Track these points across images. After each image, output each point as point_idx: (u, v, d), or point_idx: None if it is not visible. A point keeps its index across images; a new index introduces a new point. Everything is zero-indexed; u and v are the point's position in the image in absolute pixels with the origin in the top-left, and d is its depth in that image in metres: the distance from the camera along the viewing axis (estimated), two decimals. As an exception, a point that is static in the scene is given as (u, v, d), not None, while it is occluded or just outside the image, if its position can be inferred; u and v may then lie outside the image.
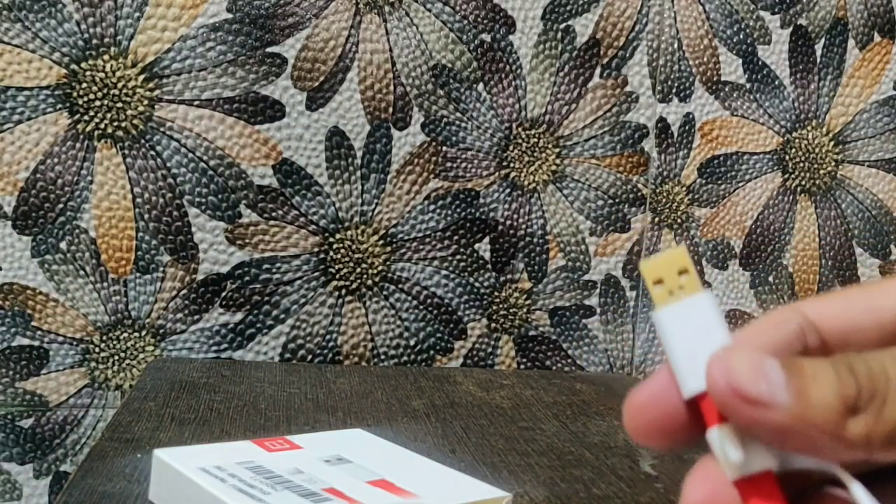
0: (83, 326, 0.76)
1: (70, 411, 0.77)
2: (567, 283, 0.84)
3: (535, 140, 0.82)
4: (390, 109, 0.79)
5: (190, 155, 0.76)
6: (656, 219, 0.85)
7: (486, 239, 0.82)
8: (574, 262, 0.84)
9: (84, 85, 0.74)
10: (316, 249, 0.79)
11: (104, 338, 0.77)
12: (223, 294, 0.78)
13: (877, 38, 0.88)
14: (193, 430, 0.58)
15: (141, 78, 0.75)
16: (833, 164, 0.89)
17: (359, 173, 0.79)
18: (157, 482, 0.45)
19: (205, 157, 0.77)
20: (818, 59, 0.87)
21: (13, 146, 0.74)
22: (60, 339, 0.76)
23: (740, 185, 0.87)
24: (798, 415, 0.22)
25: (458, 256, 0.82)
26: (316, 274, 0.79)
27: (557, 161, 0.83)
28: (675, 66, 0.84)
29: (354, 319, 0.81)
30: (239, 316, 0.79)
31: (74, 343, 0.76)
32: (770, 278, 0.89)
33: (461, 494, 0.43)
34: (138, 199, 0.76)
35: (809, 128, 0.88)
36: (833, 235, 0.90)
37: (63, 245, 0.76)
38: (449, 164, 0.81)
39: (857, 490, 0.23)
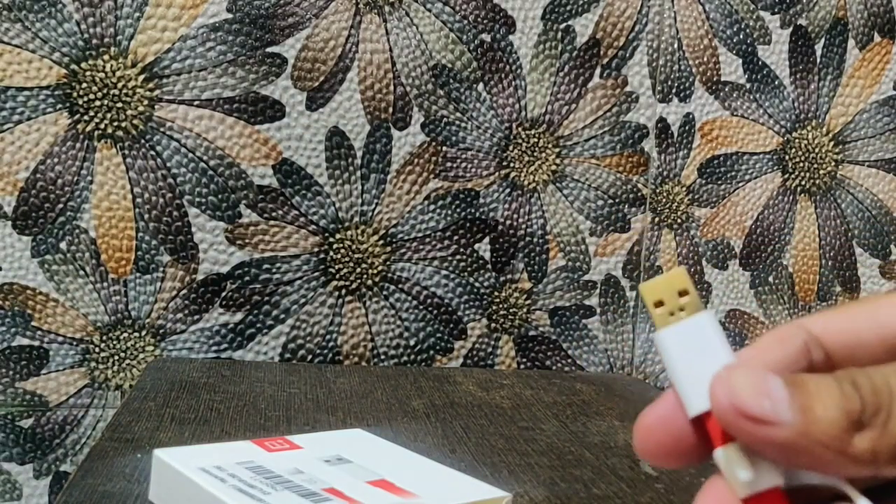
0: (83, 326, 0.76)
1: (70, 411, 0.77)
2: (567, 283, 0.84)
3: (535, 140, 0.82)
4: (390, 109, 0.79)
5: (190, 155, 0.76)
6: (656, 219, 0.85)
7: (486, 239, 0.82)
8: (574, 262, 0.84)
9: (84, 85, 0.74)
10: (316, 249, 0.79)
11: (104, 338, 0.77)
12: (223, 294, 0.78)
13: (877, 38, 0.88)
14: (193, 430, 0.58)
15: (141, 78, 0.75)
16: (833, 164, 0.89)
17: (359, 173, 0.79)
18: (157, 482, 0.45)
19: (205, 157, 0.77)
20: (818, 59, 0.87)
21: (13, 146, 0.74)
22: (60, 339, 0.76)
23: (740, 185, 0.87)
24: (802, 431, 0.22)
25: (458, 256, 0.82)
26: (316, 274, 0.79)
27: (557, 161, 0.83)
28: (675, 66, 0.84)
29: (354, 319, 0.81)
30: (239, 316, 0.79)
31: (74, 343, 0.76)
32: (770, 278, 0.89)
33: (461, 494, 0.43)
34: (138, 199, 0.76)
35: (809, 128, 0.88)
36: (833, 235, 0.90)
37: (63, 245, 0.76)
38: (449, 164, 0.81)
39: None
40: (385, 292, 0.81)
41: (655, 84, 0.84)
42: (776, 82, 0.86)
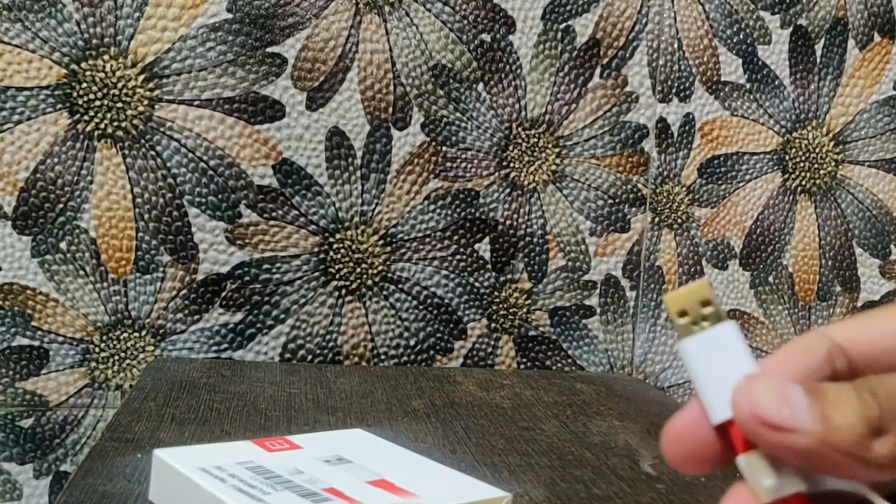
0: (83, 326, 0.76)
1: (70, 411, 0.77)
2: (567, 283, 0.84)
3: (535, 140, 0.82)
4: (390, 109, 0.79)
5: (190, 155, 0.76)
6: (656, 219, 0.85)
7: (486, 239, 0.82)
8: (574, 262, 0.84)
9: (84, 85, 0.74)
10: (316, 249, 0.79)
11: (104, 338, 0.77)
12: (223, 294, 0.78)
13: (877, 38, 0.88)
14: (193, 430, 0.58)
15: (141, 78, 0.75)
16: (833, 164, 0.89)
17: (359, 173, 0.79)
18: (157, 482, 0.45)
19: (205, 157, 0.77)
20: (818, 59, 0.87)
21: (13, 146, 0.74)
22: (60, 339, 0.76)
23: (740, 185, 0.87)
24: (822, 438, 0.23)
25: (458, 256, 0.82)
26: (316, 274, 0.79)
27: (557, 161, 0.83)
28: (675, 66, 0.84)
29: (354, 319, 0.81)
30: (239, 316, 0.79)
31: (74, 343, 0.76)
32: (770, 278, 0.89)
33: (461, 494, 0.43)
34: (138, 199, 0.76)
35: (809, 128, 0.88)
36: (833, 235, 0.90)
37: (63, 245, 0.76)
38: (449, 164, 0.81)
39: None
40: (385, 292, 0.81)
41: (655, 84, 0.84)
42: (776, 82, 0.86)
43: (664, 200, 0.85)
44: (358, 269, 0.80)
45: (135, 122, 0.75)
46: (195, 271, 0.78)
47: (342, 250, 0.80)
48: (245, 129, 0.77)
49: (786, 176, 0.88)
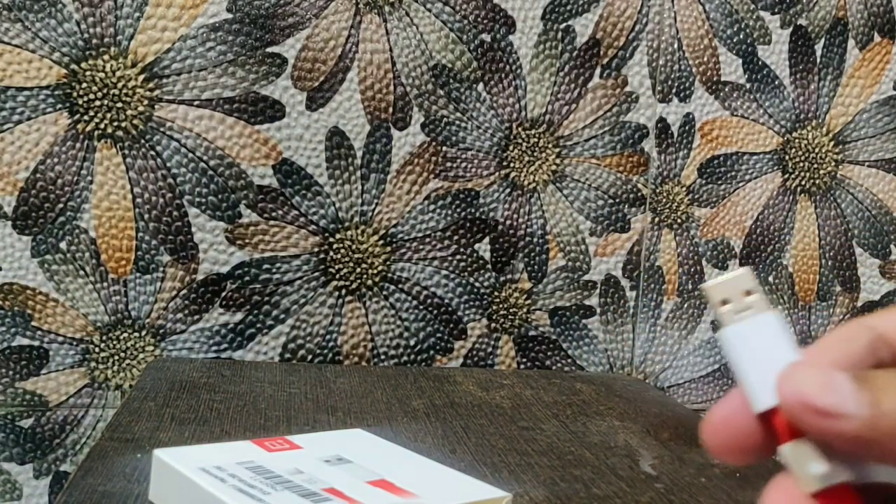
0: (83, 326, 0.76)
1: (70, 411, 0.77)
2: (567, 283, 0.84)
3: (535, 140, 0.82)
4: (390, 109, 0.79)
5: (190, 155, 0.76)
6: (656, 219, 0.85)
7: (486, 239, 0.82)
8: (574, 262, 0.84)
9: (84, 85, 0.74)
10: (316, 249, 0.79)
11: (104, 338, 0.77)
12: (223, 294, 0.78)
13: (877, 38, 0.88)
14: (193, 430, 0.58)
15: (141, 78, 0.75)
16: (833, 164, 0.89)
17: (359, 173, 0.79)
18: (157, 482, 0.45)
19: (205, 157, 0.77)
20: (818, 59, 0.87)
21: (13, 146, 0.74)
22: (60, 339, 0.76)
23: (740, 185, 0.87)
24: (870, 424, 0.23)
25: (458, 256, 0.82)
26: (316, 274, 0.79)
27: (557, 161, 0.83)
28: (675, 66, 0.84)
29: (354, 319, 0.81)
30: (239, 316, 0.79)
31: (74, 343, 0.76)
32: (770, 278, 0.89)
33: (461, 494, 0.43)
34: (138, 199, 0.76)
35: (809, 128, 0.88)
36: (833, 235, 0.90)
37: (63, 245, 0.76)
38: (449, 164, 0.81)
39: None
40: (385, 292, 0.81)
41: (655, 84, 0.84)
42: (776, 82, 0.86)
43: (664, 200, 0.85)
44: (358, 269, 0.80)
45: (135, 122, 0.75)
46: (195, 271, 0.78)
47: (342, 250, 0.80)
48: (245, 129, 0.77)
49: (786, 176, 0.88)
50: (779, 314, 0.26)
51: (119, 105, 0.75)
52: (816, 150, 0.88)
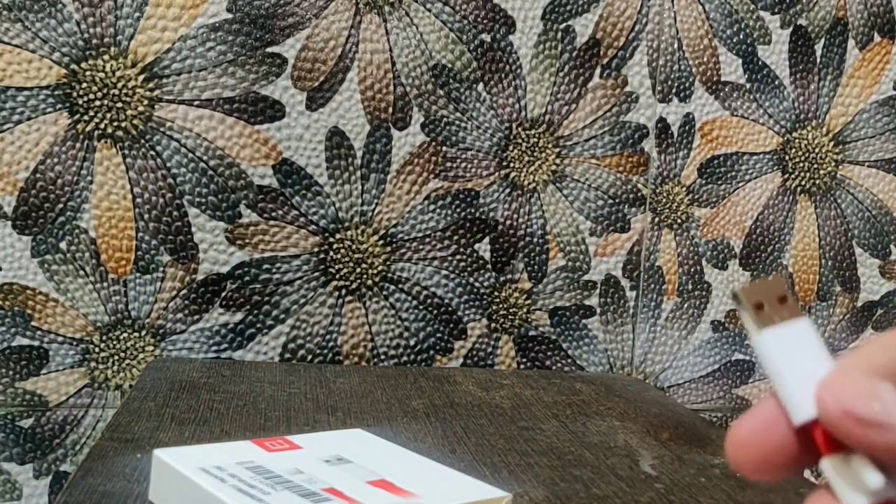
0: (83, 326, 0.76)
1: (70, 411, 0.77)
2: (567, 283, 0.84)
3: (535, 140, 0.82)
4: (390, 109, 0.79)
5: (190, 155, 0.76)
6: (656, 219, 0.85)
7: (486, 239, 0.82)
8: (574, 262, 0.84)
9: (84, 85, 0.74)
10: (316, 249, 0.79)
11: (104, 338, 0.77)
12: (223, 294, 0.78)
13: (877, 38, 0.88)
14: (193, 430, 0.58)
15: (141, 78, 0.75)
16: (833, 164, 0.89)
17: (359, 173, 0.79)
18: (157, 482, 0.45)
19: (205, 157, 0.77)
20: (818, 59, 0.87)
21: (13, 146, 0.74)
22: (60, 339, 0.76)
23: (740, 185, 0.87)
24: None
25: (458, 256, 0.82)
26: (316, 274, 0.79)
27: (557, 161, 0.83)
28: (675, 66, 0.84)
29: (354, 319, 0.81)
30: (239, 316, 0.79)
31: (74, 343, 0.76)
32: (770, 278, 0.88)
33: (461, 494, 0.43)
34: (138, 199, 0.76)
35: (809, 128, 0.88)
36: (833, 235, 0.89)
37: (63, 245, 0.76)
38: (449, 164, 0.81)
39: None
40: (385, 292, 0.81)
41: (655, 84, 0.84)
42: (776, 82, 0.86)
43: (664, 200, 0.85)
44: (358, 269, 0.80)
45: (135, 122, 0.75)
46: (195, 271, 0.78)
47: (342, 250, 0.80)
48: (245, 129, 0.77)
49: (786, 176, 0.88)
50: (811, 322, 0.25)
51: (119, 105, 0.75)
52: (816, 150, 0.88)
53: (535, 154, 0.82)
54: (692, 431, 0.65)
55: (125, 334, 0.77)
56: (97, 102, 0.75)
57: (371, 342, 0.81)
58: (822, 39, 0.87)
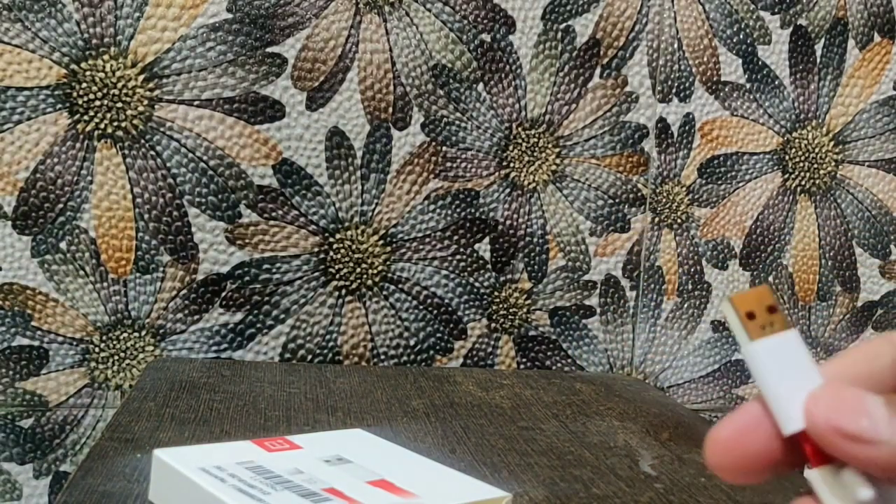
0: (83, 326, 0.77)
1: (70, 411, 0.77)
2: (567, 283, 0.84)
3: (535, 140, 0.82)
4: (390, 109, 0.79)
5: (190, 155, 0.76)
6: (656, 219, 0.85)
7: (486, 239, 0.82)
8: (574, 262, 0.84)
9: (84, 85, 0.74)
10: (316, 249, 0.79)
11: (104, 338, 0.77)
12: (223, 294, 0.78)
13: (877, 38, 0.88)
14: (193, 430, 0.58)
15: (141, 78, 0.75)
16: (833, 164, 0.89)
17: (359, 173, 0.79)
18: (157, 482, 0.45)
19: (205, 157, 0.77)
20: (818, 59, 0.87)
21: (13, 146, 0.74)
22: (60, 339, 0.76)
23: (740, 185, 0.87)
24: None
25: (458, 256, 0.82)
26: (316, 274, 0.79)
27: (557, 161, 0.83)
28: (675, 66, 0.84)
29: (354, 319, 0.81)
30: (239, 316, 0.79)
31: (74, 343, 0.77)
32: (770, 278, 0.89)
33: (461, 494, 0.43)
34: (138, 199, 0.76)
35: (809, 128, 0.88)
36: (833, 235, 0.89)
37: (63, 245, 0.76)
38: (449, 164, 0.81)
39: None
40: (385, 292, 0.81)
41: (655, 84, 0.84)
42: (776, 82, 0.86)
43: (664, 200, 0.85)
44: (358, 269, 0.80)
45: (135, 122, 0.75)
46: (195, 271, 0.78)
47: (342, 250, 0.80)
48: (245, 129, 0.77)
49: (786, 176, 0.88)
50: (798, 333, 0.25)
51: (119, 105, 0.75)
52: (816, 150, 0.88)
53: (535, 154, 0.82)
54: (692, 431, 0.65)
55: (125, 334, 0.77)
56: (97, 102, 0.75)
57: (371, 342, 0.81)
58: (822, 39, 0.87)
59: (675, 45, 0.84)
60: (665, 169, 0.85)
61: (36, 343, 0.76)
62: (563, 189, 0.83)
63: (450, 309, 0.82)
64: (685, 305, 0.87)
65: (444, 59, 0.80)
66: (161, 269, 0.77)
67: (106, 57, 0.74)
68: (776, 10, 0.86)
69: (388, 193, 0.80)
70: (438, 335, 0.82)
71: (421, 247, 0.81)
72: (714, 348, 0.88)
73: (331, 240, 0.79)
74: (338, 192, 0.79)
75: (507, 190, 0.82)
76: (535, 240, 0.83)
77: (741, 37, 0.85)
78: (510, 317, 0.84)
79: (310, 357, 0.80)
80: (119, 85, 0.75)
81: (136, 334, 0.77)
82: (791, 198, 0.88)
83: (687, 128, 0.85)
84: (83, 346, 0.77)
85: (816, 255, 0.89)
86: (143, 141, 0.76)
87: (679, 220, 0.86)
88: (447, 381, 0.75)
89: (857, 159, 0.89)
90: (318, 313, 0.80)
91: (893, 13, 0.88)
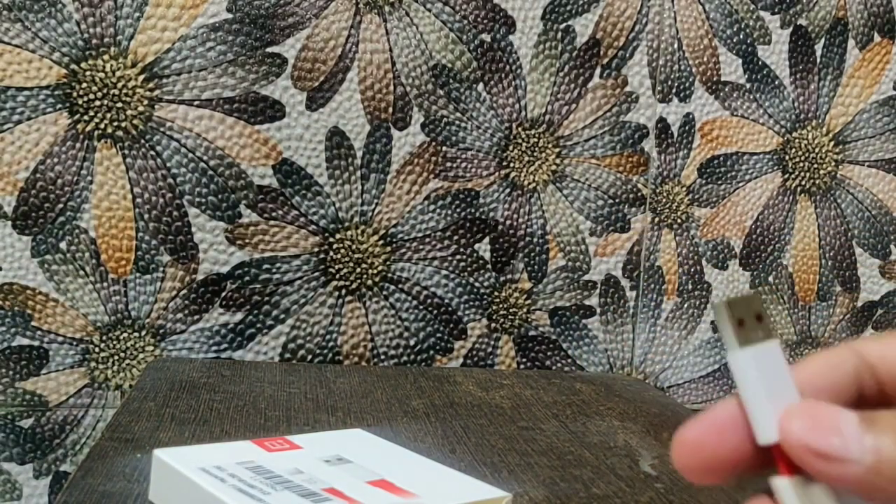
0: (83, 326, 0.76)
1: (70, 411, 0.77)
2: (567, 283, 0.84)
3: (535, 140, 0.82)
4: (390, 109, 0.79)
5: (190, 155, 0.76)
6: (656, 219, 0.85)
7: (486, 239, 0.82)
8: (574, 262, 0.84)
9: (84, 85, 0.74)
10: (316, 249, 0.79)
11: (104, 338, 0.77)
12: (223, 294, 0.78)
13: (877, 38, 0.88)
14: (193, 430, 0.58)
15: (141, 78, 0.75)
16: (833, 164, 0.89)
17: (359, 173, 0.79)
18: (157, 482, 0.45)
19: (205, 157, 0.77)
20: (818, 59, 0.87)
21: (13, 146, 0.74)
22: (60, 339, 0.76)
23: (740, 185, 0.87)
24: (874, 469, 0.22)
25: (458, 256, 0.82)
26: (316, 274, 0.79)
27: (557, 161, 0.83)
28: (675, 66, 0.84)
29: (354, 319, 0.81)
30: (239, 316, 0.79)
31: (74, 343, 0.77)
32: (770, 278, 0.89)
33: (461, 494, 0.43)
34: (138, 199, 0.76)
35: (809, 128, 0.88)
36: (833, 235, 0.89)
37: (63, 245, 0.76)
38: (449, 164, 0.81)
39: None
40: (385, 292, 0.81)
41: (655, 84, 0.84)
42: (776, 82, 0.86)
43: (664, 200, 0.85)
44: (358, 269, 0.80)
45: (135, 122, 0.75)
46: (195, 271, 0.78)
47: (342, 250, 0.80)
48: (245, 129, 0.77)
49: (786, 176, 0.88)
50: (779, 342, 0.25)
51: (119, 105, 0.75)
52: (816, 150, 0.88)
53: (535, 154, 0.82)
54: (692, 431, 0.65)
55: (125, 334, 0.77)
56: (97, 102, 0.75)
57: (371, 342, 0.81)
58: (822, 39, 0.87)
59: (675, 45, 0.84)
60: (665, 169, 0.85)
61: (36, 343, 0.76)
62: (563, 189, 0.83)
63: (450, 309, 0.82)
64: (685, 305, 0.87)
65: (444, 59, 0.80)
66: (161, 269, 0.77)
67: (106, 57, 0.74)
68: (776, 10, 0.86)
69: (388, 193, 0.80)
70: (438, 335, 0.82)
71: (421, 247, 0.81)
72: (714, 348, 0.88)
73: (331, 240, 0.79)
74: (338, 192, 0.79)
75: (507, 190, 0.82)
76: (535, 240, 0.83)
77: (741, 37, 0.85)
78: (510, 317, 0.84)
79: (310, 357, 0.80)
80: (119, 85, 0.75)
81: (136, 334, 0.77)
82: (791, 198, 0.88)
83: (687, 128, 0.85)
84: (83, 346, 0.77)
85: (816, 255, 0.89)
86: (143, 141, 0.76)
87: (679, 220, 0.86)
88: (447, 381, 0.75)
89: (857, 159, 0.89)
90: (318, 313, 0.80)
91: (893, 13, 0.88)
